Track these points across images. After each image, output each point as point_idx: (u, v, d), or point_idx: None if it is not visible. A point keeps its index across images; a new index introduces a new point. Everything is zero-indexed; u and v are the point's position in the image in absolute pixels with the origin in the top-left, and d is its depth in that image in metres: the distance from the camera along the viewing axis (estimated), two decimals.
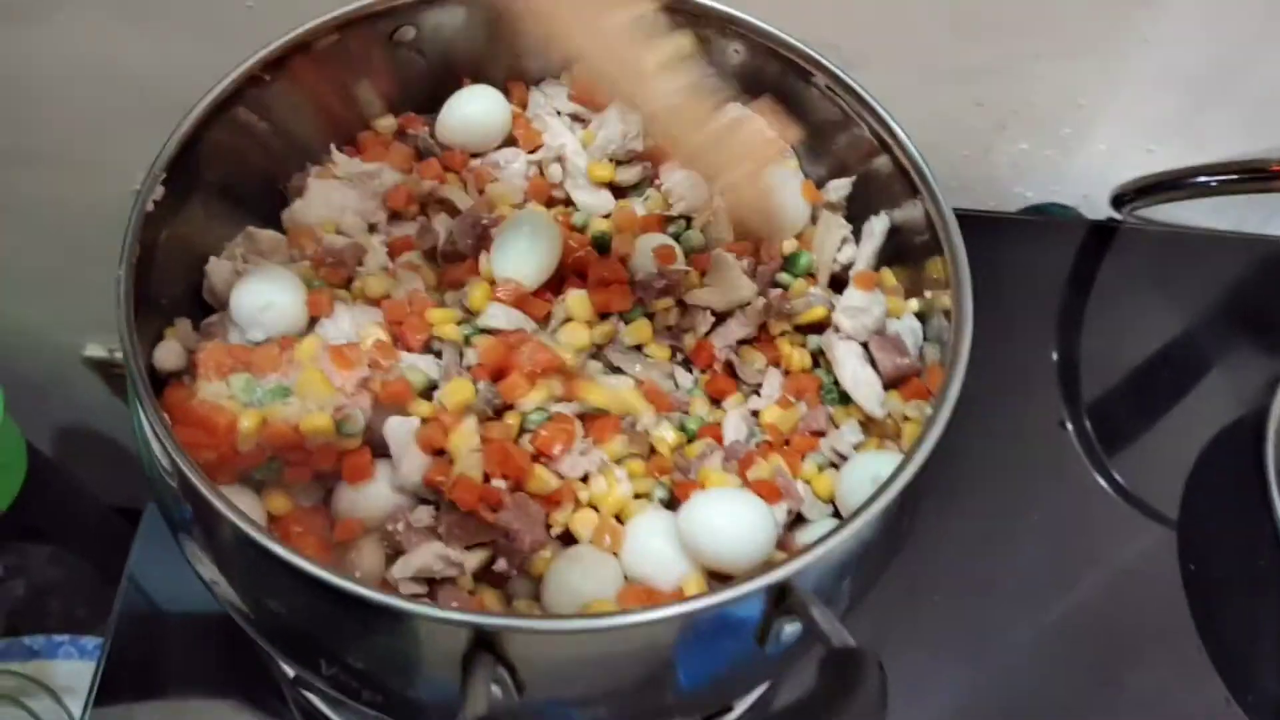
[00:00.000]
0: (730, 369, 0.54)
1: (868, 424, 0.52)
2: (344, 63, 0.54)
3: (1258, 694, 0.63)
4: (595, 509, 0.49)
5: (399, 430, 0.48)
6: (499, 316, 0.52)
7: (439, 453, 0.48)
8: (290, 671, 0.59)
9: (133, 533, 0.66)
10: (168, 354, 0.49)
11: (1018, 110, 0.74)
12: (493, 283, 0.53)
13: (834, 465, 0.51)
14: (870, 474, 0.47)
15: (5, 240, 0.84)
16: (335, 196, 0.55)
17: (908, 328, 0.53)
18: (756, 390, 0.54)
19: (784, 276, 0.56)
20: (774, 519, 0.47)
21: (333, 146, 0.57)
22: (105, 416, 1.05)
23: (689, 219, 0.57)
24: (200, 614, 0.62)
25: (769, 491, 0.48)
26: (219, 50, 0.50)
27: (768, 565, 0.40)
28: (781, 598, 0.39)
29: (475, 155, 0.58)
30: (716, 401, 0.53)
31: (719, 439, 0.51)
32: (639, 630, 0.38)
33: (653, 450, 0.51)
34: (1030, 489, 0.69)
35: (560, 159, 0.57)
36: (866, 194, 0.55)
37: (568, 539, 0.49)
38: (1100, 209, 0.79)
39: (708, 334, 0.54)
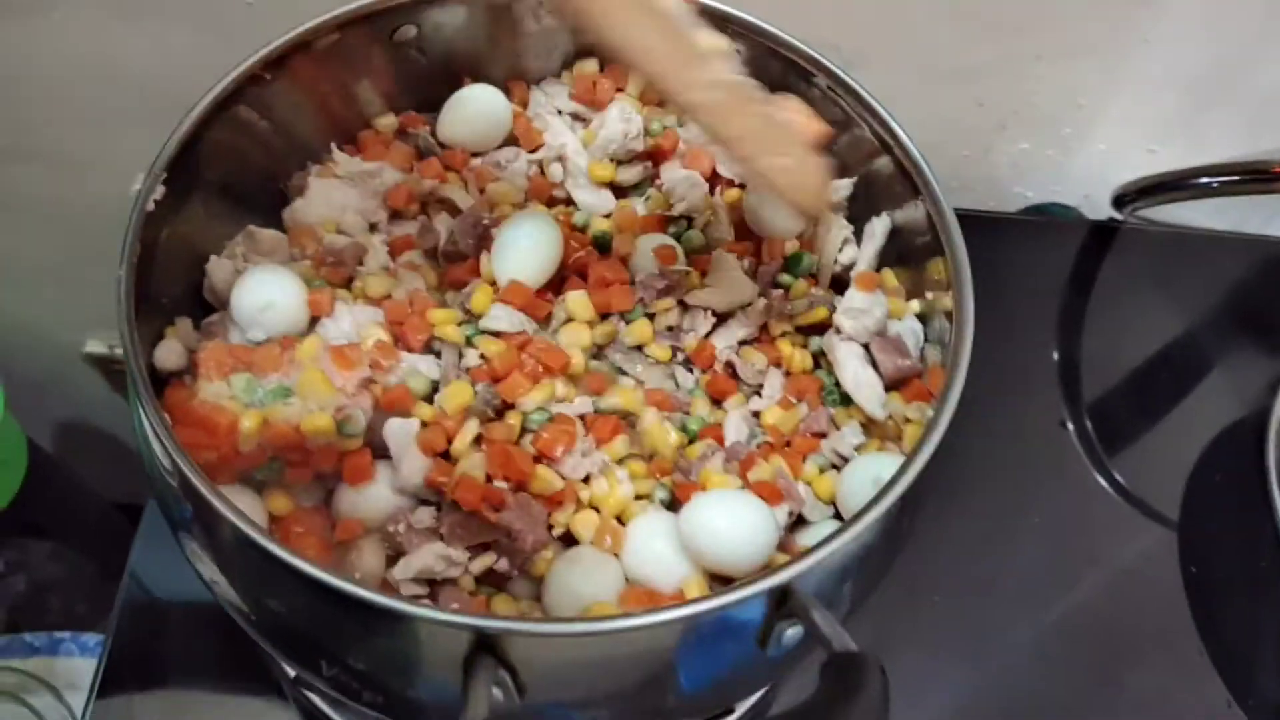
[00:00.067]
0: (731, 370, 0.54)
1: (869, 425, 0.52)
2: (344, 61, 0.54)
3: (1258, 696, 0.63)
4: (596, 510, 0.49)
5: (399, 432, 0.48)
6: (501, 318, 0.52)
7: (440, 455, 0.48)
8: (291, 671, 0.59)
9: (133, 529, 0.66)
10: (168, 353, 0.49)
11: (1018, 110, 0.74)
12: (494, 283, 0.53)
13: (835, 467, 0.51)
14: (871, 476, 0.47)
15: (5, 238, 0.84)
16: (336, 195, 0.55)
17: (909, 329, 0.53)
18: (758, 391, 0.54)
19: (785, 277, 0.56)
20: (775, 520, 0.47)
21: (333, 145, 0.56)
22: (105, 413, 1.05)
23: (690, 219, 0.57)
24: (202, 611, 0.62)
25: (770, 493, 0.48)
26: (219, 49, 0.50)
27: (769, 568, 0.40)
28: (783, 601, 0.39)
29: (476, 154, 0.58)
30: (717, 402, 0.53)
31: (720, 440, 0.51)
32: (640, 633, 0.38)
33: (654, 451, 0.51)
34: (1031, 489, 0.69)
35: (561, 158, 0.57)
36: (868, 195, 0.55)
37: (569, 540, 0.48)
38: (1101, 209, 0.79)
39: (709, 335, 0.54)
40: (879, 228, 0.54)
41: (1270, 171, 0.63)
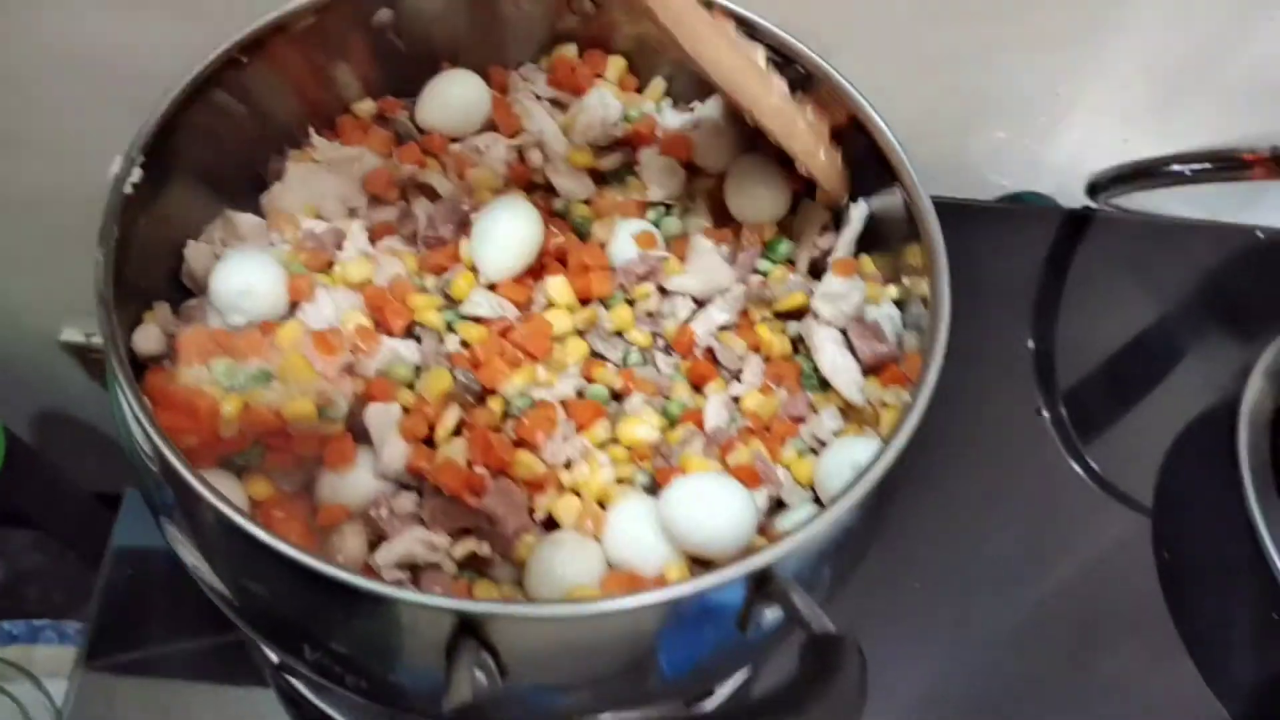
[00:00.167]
0: (711, 355, 0.54)
1: (847, 410, 0.52)
2: (322, 45, 0.54)
3: (1230, 679, 0.64)
4: (578, 495, 0.49)
5: (380, 417, 0.48)
6: (482, 304, 0.52)
7: (422, 440, 0.48)
8: (274, 657, 0.59)
9: (113, 518, 0.66)
10: (146, 338, 0.49)
11: (995, 99, 0.74)
12: (474, 269, 0.53)
13: (814, 451, 0.52)
14: (849, 460, 0.47)
15: None
16: (315, 181, 0.54)
17: (886, 315, 0.53)
18: (737, 376, 0.54)
19: (764, 263, 0.56)
20: (754, 503, 0.47)
21: (312, 130, 0.56)
22: (84, 402, 1.04)
23: (669, 205, 0.57)
24: (182, 598, 0.61)
25: (749, 476, 0.49)
26: (195, 33, 0.49)
27: (749, 551, 0.40)
28: (762, 584, 0.40)
29: (455, 140, 0.58)
30: (697, 388, 0.54)
31: (700, 425, 0.52)
32: (621, 616, 0.38)
33: (633, 440, 0.51)
34: (1007, 476, 0.70)
35: (540, 144, 0.57)
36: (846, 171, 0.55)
37: (551, 525, 0.49)
38: (1076, 198, 0.79)
39: (688, 320, 0.54)
40: (856, 214, 0.54)
41: (1241, 159, 0.63)
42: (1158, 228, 0.80)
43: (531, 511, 0.48)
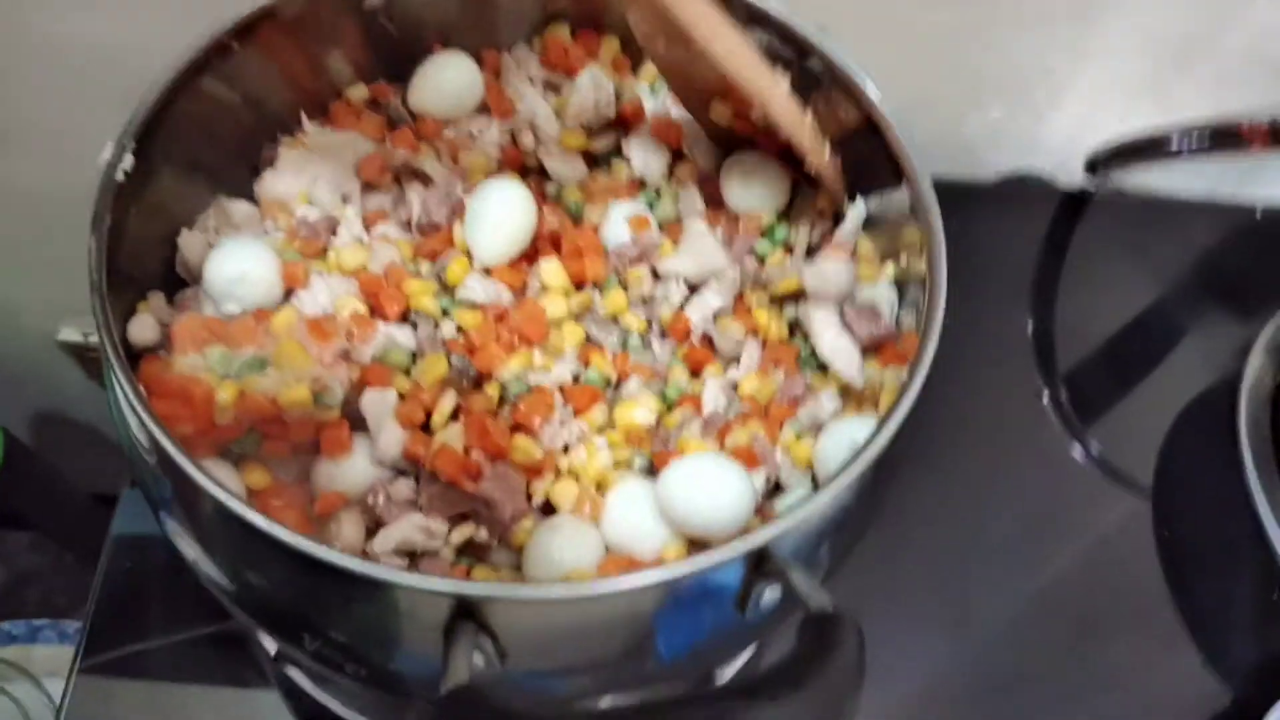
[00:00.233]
0: (708, 341, 0.54)
1: (846, 392, 0.52)
2: (314, 30, 0.54)
3: (1232, 660, 0.63)
4: (576, 479, 0.49)
5: (376, 404, 0.48)
6: (477, 289, 0.52)
7: (418, 426, 0.48)
8: (272, 649, 0.59)
9: (111, 518, 0.66)
10: (141, 328, 0.48)
11: (991, 78, 0.74)
12: (468, 254, 0.52)
13: (812, 433, 0.52)
14: (848, 440, 0.47)
15: None
16: (307, 167, 0.54)
17: (883, 295, 0.53)
18: (735, 361, 0.54)
19: (761, 246, 0.56)
20: (752, 485, 0.47)
21: (304, 116, 0.56)
22: (82, 403, 1.04)
23: (659, 190, 0.57)
24: (181, 588, 0.61)
25: (747, 458, 0.48)
26: (185, 21, 0.49)
27: (747, 530, 0.40)
28: (760, 563, 0.39)
29: (448, 124, 0.58)
30: (695, 373, 0.53)
31: (698, 408, 0.52)
32: (620, 597, 0.38)
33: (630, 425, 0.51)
34: (1005, 457, 0.70)
35: (532, 126, 0.57)
36: (843, 162, 0.55)
37: (549, 510, 0.49)
38: (1074, 177, 0.79)
39: (682, 305, 0.54)
40: (854, 213, 0.54)
41: (1239, 132, 0.63)
42: (1156, 206, 0.79)
43: (529, 496, 0.48)
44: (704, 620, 0.42)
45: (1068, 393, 0.72)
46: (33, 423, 1.06)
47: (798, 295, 0.54)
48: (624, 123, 0.58)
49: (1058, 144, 0.78)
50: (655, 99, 0.58)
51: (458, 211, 0.53)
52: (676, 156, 0.58)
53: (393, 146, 0.56)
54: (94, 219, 0.44)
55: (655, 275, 0.54)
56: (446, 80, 0.57)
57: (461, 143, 0.57)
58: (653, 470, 0.49)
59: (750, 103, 0.52)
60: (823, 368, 0.53)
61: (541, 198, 0.55)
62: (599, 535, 0.47)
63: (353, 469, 0.47)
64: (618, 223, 0.54)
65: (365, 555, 0.46)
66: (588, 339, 0.53)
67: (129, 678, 0.61)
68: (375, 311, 0.51)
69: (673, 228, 0.55)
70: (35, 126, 0.74)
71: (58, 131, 0.72)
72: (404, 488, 0.47)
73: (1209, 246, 0.79)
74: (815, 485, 0.50)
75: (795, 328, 0.55)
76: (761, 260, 0.55)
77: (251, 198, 0.54)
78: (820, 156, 0.52)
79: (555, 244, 0.54)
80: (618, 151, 0.58)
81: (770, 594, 0.40)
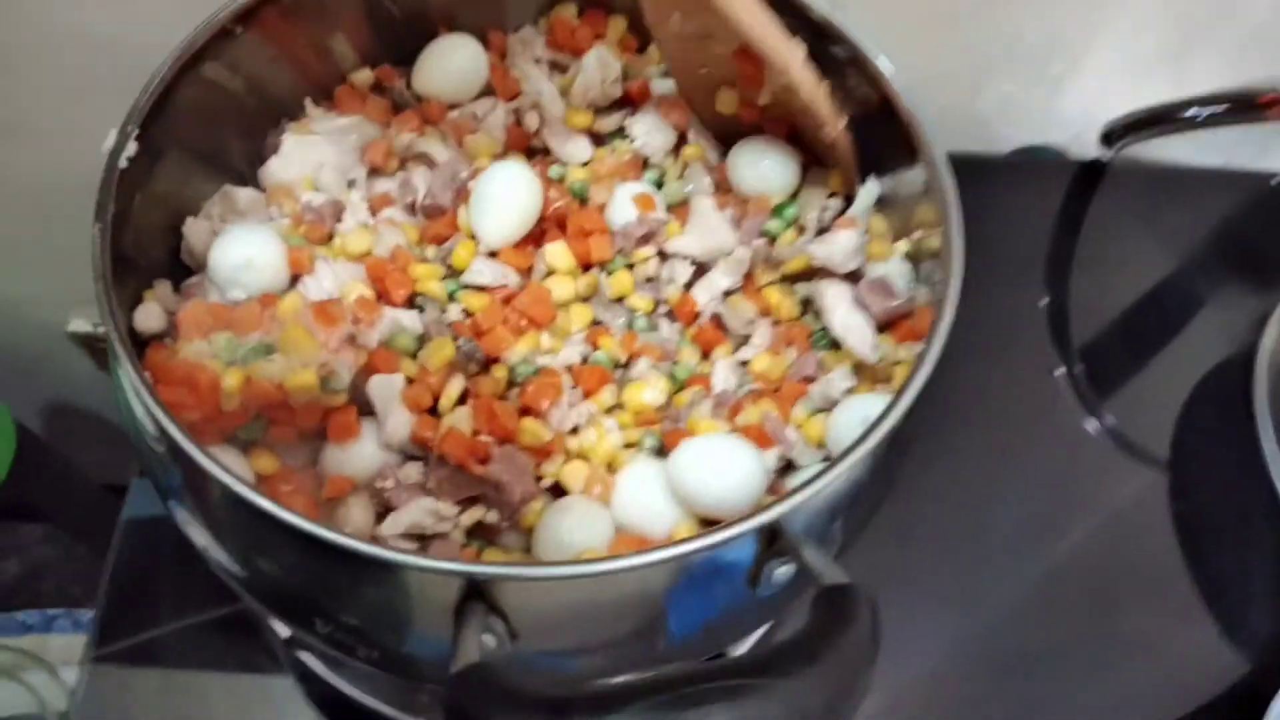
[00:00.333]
0: (718, 321, 0.53)
1: (859, 369, 0.52)
2: (316, 13, 0.53)
3: (1249, 631, 0.63)
4: (585, 460, 0.48)
5: (383, 388, 0.48)
6: (484, 272, 0.51)
7: (426, 410, 0.48)
8: (284, 633, 0.59)
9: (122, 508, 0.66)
10: (148, 316, 0.48)
11: (1005, 50, 0.73)
12: (473, 237, 0.52)
13: (825, 411, 0.51)
14: (860, 416, 0.47)
15: None
16: (312, 152, 0.54)
17: (897, 270, 0.52)
18: (746, 340, 0.53)
19: (772, 226, 0.55)
20: (764, 464, 0.46)
21: (308, 101, 0.56)
22: (92, 394, 1.04)
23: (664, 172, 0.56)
24: (192, 579, 0.61)
25: (758, 437, 0.48)
26: (187, 8, 0.49)
27: (758, 507, 0.39)
28: (773, 539, 0.39)
29: (453, 106, 0.57)
30: (705, 354, 0.53)
31: (708, 388, 0.51)
32: (631, 575, 0.38)
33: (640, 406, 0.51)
34: (1021, 433, 0.69)
35: (537, 106, 0.57)
36: (857, 138, 0.54)
37: (558, 492, 0.48)
38: (1089, 149, 0.78)
39: (690, 286, 0.54)
40: (867, 193, 0.53)
41: (1256, 101, 0.62)
42: (1171, 178, 0.79)
43: (539, 478, 0.48)
44: (716, 598, 0.42)
45: (1083, 366, 0.72)
46: (44, 415, 1.06)
47: (809, 274, 0.54)
48: (630, 102, 0.58)
49: (1072, 117, 0.77)
50: (664, 80, 0.58)
51: (463, 194, 0.53)
52: (682, 138, 0.57)
53: (397, 130, 0.56)
54: (98, 207, 0.44)
55: (662, 256, 0.54)
56: (451, 63, 0.57)
57: (466, 125, 0.56)
58: (663, 451, 0.49)
59: (760, 84, 0.51)
60: (835, 345, 0.52)
61: (547, 179, 0.54)
62: (609, 516, 0.47)
63: (361, 453, 0.47)
64: (624, 203, 0.53)
65: (374, 539, 0.46)
66: (595, 321, 0.53)
67: (143, 665, 0.61)
68: (381, 296, 0.51)
69: (680, 210, 0.55)
70: (39, 117, 0.74)
71: (62, 121, 0.72)
72: (413, 471, 0.47)
73: (1225, 217, 0.78)
74: (829, 461, 0.50)
75: (807, 306, 0.54)
76: (772, 239, 0.55)
77: (256, 184, 0.54)
78: (836, 126, 0.51)
79: (561, 225, 0.53)
80: (623, 132, 0.58)
81: (783, 571, 0.40)
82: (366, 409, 0.48)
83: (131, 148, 0.46)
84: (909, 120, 0.49)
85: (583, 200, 0.54)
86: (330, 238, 0.53)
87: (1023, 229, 0.76)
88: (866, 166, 0.54)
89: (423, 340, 0.50)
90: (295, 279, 0.51)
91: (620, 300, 0.53)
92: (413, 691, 0.57)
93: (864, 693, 0.33)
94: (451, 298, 0.52)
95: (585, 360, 0.51)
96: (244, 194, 0.53)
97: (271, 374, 0.46)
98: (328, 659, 0.58)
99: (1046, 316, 0.74)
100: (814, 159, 0.55)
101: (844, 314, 0.52)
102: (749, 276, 0.54)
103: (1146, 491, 0.68)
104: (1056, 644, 0.63)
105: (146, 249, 0.49)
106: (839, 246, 0.51)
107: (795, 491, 0.39)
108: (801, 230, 0.55)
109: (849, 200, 0.54)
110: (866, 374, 0.51)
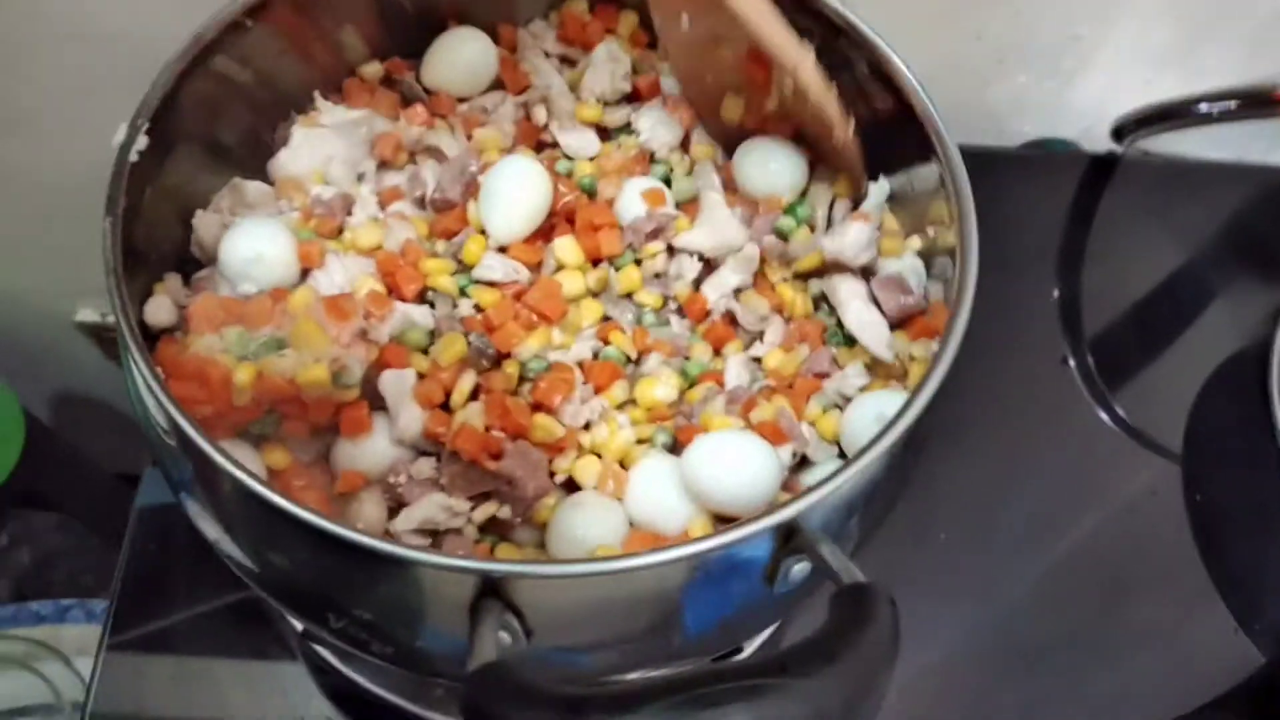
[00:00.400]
0: (729, 319, 0.53)
1: (873, 365, 0.51)
2: (326, 6, 0.53)
3: (1265, 622, 0.63)
4: (598, 456, 0.48)
5: (395, 384, 0.48)
6: (495, 267, 0.51)
7: (438, 405, 0.48)
8: (299, 626, 0.59)
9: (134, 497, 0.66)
10: (158, 310, 0.48)
11: (1017, 43, 0.73)
12: (483, 231, 0.52)
13: (839, 407, 0.51)
14: (875, 413, 0.47)
15: None
16: (322, 146, 0.54)
17: (910, 267, 0.52)
18: (759, 337, 0.53)
19: (785, 223, 0.55)
20: (778, 460, 0.46)
21: (317, 94, 0.55)
22: (101, 383, 1.04)
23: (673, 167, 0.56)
24: (205, 573, 0.62)
25: (772, 433, 0.48)
26: (186, 7, 0.48)
27: (774, 505, 0.39)
28: (789, 537, 0.39)
29: (463, 100, 0.57)
30: (717, 350, 0.53)
31: (721, 384, 0.51)
32: (648, 572, 0.38)
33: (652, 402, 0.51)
34: (1034, 426, 0.69)
35: (546, 100, 0.56)
36: (867, 132, 0.54)
37: (571, 488, 0.48)
38: (1101, 142, 0.78)
39: (700, 283, 0.53)
40: (877, 192, 0.53)
41: (1270, 96, 0.61)
42: (1183, 171, 0.78)
43: (552, 474, 0.48)
44: (733, 595, 0.42)
45: (1096, 359, 0.72)
46: (52, 404, 1.07)
47: (822, 271, 0.53)
48: (639, 98, 0.57)
49: (1084, 110, 0.77)
50: (668, 78, 0.57)
51: (472, 189, 0.52)
52: (689, 134, 0.57)
53: (407, 123, 0.55)
54: (108, 201, 0.44)
55: (671, 251, 0.53)
56: (461, 56, 0.56)
57: (476, 119, 0.56)
58: (676, 446, 0.49)
59: (767, 90, 0.50)
60: (849, 341, 0.52)
61: (556, 174, 0.54)
62: (623, 511, 0.47)
63: (373, 449, 0.47)
64: (633, 198, 0.53)
65: (387, 535, 0.46)
66: (605, 316, 0.52)
67: (157, 653, 0.61)
68: (392, 291, 0.50)
69: (688, 207, 0.54)
70: (49, 110, 0.74)
71: (71, 114, 0.72)
72: (425, 467, 0.47)
73: (1237, 210, 0.78)
74: (842, 458, 0.50)
75: (820, 303, 0.54)
76: (784, 237, 0.54)
77: (266, 177, 0.54)
78: (845, 130, 0.51)
79: (570, 220, 0.53)
80: (630, 127, 0.57)
81: (799, 568, 0.40)
82: (378, 404, 0.48)
83: (142, 141, 0.46)
84: (925, 117, 0.49)
85: (591, 195, 0.54)
86: (340, 231, 0.53)
87: (1034, 222, 0.76)
88: (878, 161, 0.53)
89: (434, 335, 0.50)
90: (305, 273, 0.51)
91: (629, 296, 0.53)
92: (427, 685, 0.57)
93: (884, 693, 0.33)
94: (462, 293, 0.51)
95: (596, 356, 0.51)
96: (253, 187, 0.53)
97: (283, 369, 0.46)
98: (341, 652, 0.58)
99: (1058, 309, 0.74)
100: (819, 158, 0.55)
101: (858, 310, 0.51)
102: (760, 273, 0.54)
103: (1159, 483, 0.68)
104: (1070, 635, 0.63)
105: (157, 242, 0.49)
106: (850, 239, 0.51)
107: (813, 489, 0.39)
108: (813, 229, 0.55)
109: (856, 203, 0.54)
110: (880, 370, 0.51)
